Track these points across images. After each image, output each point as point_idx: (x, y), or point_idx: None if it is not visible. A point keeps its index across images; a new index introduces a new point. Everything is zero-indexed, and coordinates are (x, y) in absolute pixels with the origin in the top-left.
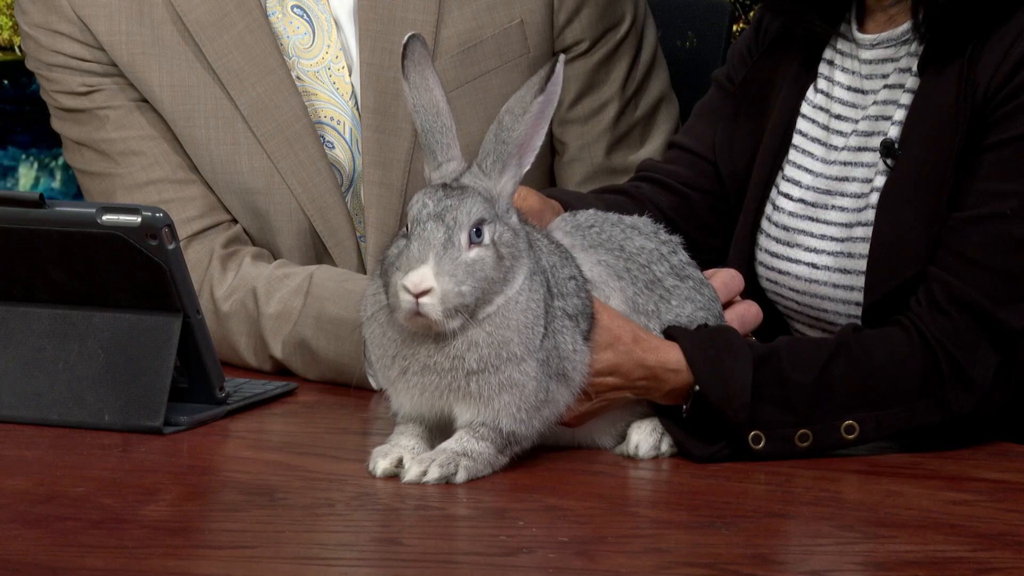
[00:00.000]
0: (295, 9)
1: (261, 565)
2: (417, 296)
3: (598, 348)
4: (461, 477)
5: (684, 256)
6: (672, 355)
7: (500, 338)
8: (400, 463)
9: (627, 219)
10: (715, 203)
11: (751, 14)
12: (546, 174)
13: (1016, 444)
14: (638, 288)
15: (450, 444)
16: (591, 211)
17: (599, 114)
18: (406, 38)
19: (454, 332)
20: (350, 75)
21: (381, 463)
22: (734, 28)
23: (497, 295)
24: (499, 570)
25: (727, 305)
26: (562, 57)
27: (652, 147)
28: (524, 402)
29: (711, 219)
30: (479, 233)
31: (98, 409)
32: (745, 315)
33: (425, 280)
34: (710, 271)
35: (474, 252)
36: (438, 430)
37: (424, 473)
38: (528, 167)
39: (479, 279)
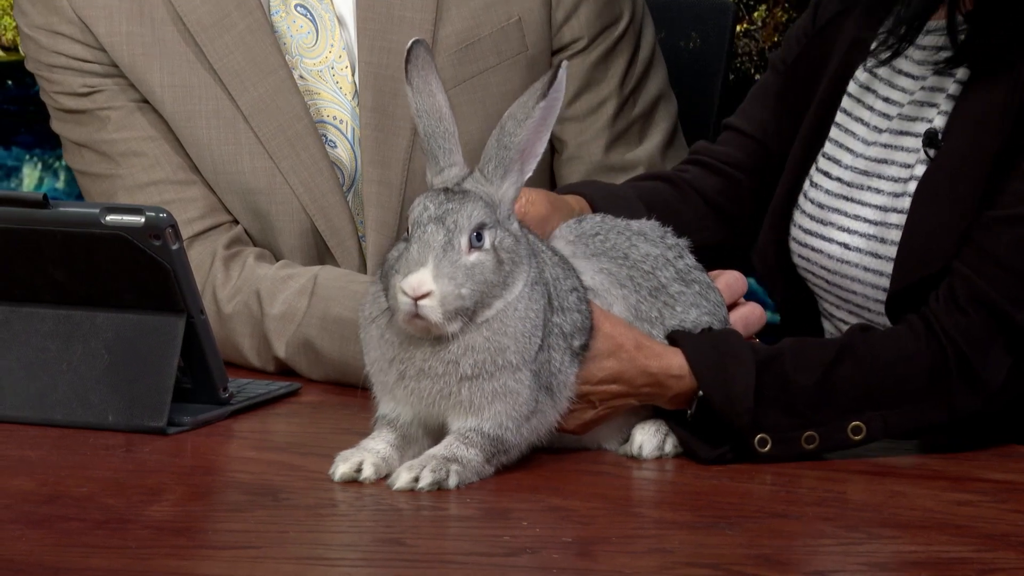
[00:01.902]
0: (299, 8)
1: (265, 565)
2: (416, 299)
3: (601, 356)
4: (452, 483)
5: (690, 260)
6: (675, 361)
7: (497, 344)
8: (360, 468)
9: (634, 225)
10: (762, 184)
11: (755, 15)
12: (545, 172)
13: (1021, 445)
14: (641, 296)
15: (439, 450)
16: (597, 218)
17: (597, 111)
18: (410, 43)
19: (453, 335)
20: (353, 74)
21: (342, 467)
22: (737, 28)
23: (496, 299)
24: (502, 570)
25: (731, 307)
26: (565, 63)
27: (650, 144)
28: (516, 411)
29: (757, 201)
30: (479, 237)
31: (102, 409)
32: (749, 317)
33: (424, 284)
34: (714, 272)
35: (474, 256)
36: (422, 436)
37: (416, 480)
38: (530, 173)
39: (478, 282)
